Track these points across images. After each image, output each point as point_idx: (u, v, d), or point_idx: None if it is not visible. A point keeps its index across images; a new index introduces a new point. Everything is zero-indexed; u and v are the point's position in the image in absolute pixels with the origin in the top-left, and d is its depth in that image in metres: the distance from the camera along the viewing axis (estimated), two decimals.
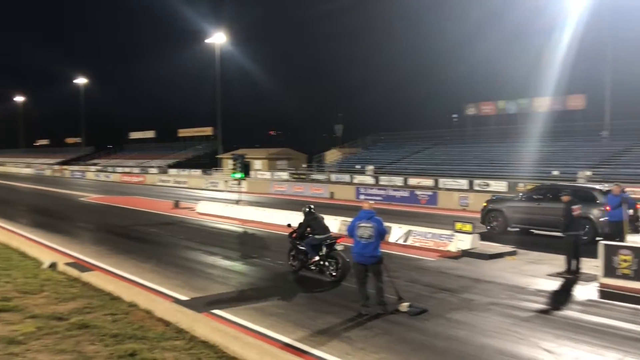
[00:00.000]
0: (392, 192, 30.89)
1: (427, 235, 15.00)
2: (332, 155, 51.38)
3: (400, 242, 15.28)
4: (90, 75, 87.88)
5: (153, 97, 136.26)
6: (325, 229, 11.62)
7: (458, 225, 14.41)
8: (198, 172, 55.86)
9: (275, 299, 9.54)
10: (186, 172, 57.18)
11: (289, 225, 12.56)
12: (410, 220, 19.40)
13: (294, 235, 12.03)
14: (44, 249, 13.42)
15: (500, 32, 50.52)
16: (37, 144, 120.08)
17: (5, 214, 22.72)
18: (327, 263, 11.21)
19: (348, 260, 10.48)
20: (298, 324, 8.09)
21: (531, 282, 10.94)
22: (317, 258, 11.31)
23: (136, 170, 65.84)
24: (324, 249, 11.24)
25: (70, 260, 11.73)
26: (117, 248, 14.93)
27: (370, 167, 40.71)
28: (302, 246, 11.70)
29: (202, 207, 24.04)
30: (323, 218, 12.09)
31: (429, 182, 32.93)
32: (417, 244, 14.90)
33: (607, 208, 14.25)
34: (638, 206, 15.83)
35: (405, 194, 30.10)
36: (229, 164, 46.26)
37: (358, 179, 38.85)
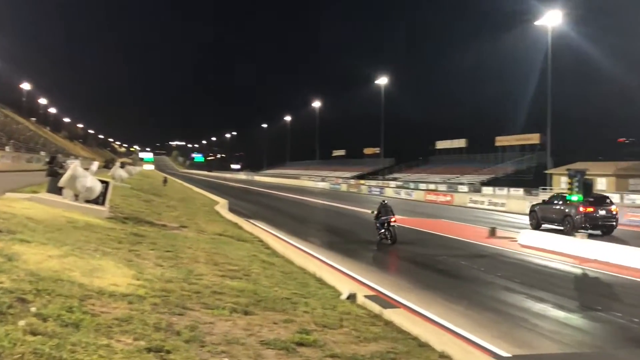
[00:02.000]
0: None
1: None
2: None
3: None
4: (390, 78, 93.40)
5: (463, 99, 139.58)
6: (388, 213, 22.56)
7: None
8: (520, 191, 55.18)
9: None
10: (504, 191, 57.03)
11: (372, 212, 24.12)
12: None
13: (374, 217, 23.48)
14: (340, 275, 14.68)
15: None
16: (334, 154, 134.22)
17: (300, 233, 25.91)
18: (387, 233, 22.53)
19: (396, 233, 22.56)
20: None
21: None
22: (382, 230, 22.70)
23: (442, 187, 68.48)
24: (386, 225, 22.50)
25: (370, 293, 12.62)
26: (420, 281, 15.65)
27: None
28: (377, 223, 22.98)
29: (525, 237, 23.59)
30: (391, 207, 23.00)
31: None
32: None
33: None
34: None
35: None
36: (561, 181, 44.51)
37: None
